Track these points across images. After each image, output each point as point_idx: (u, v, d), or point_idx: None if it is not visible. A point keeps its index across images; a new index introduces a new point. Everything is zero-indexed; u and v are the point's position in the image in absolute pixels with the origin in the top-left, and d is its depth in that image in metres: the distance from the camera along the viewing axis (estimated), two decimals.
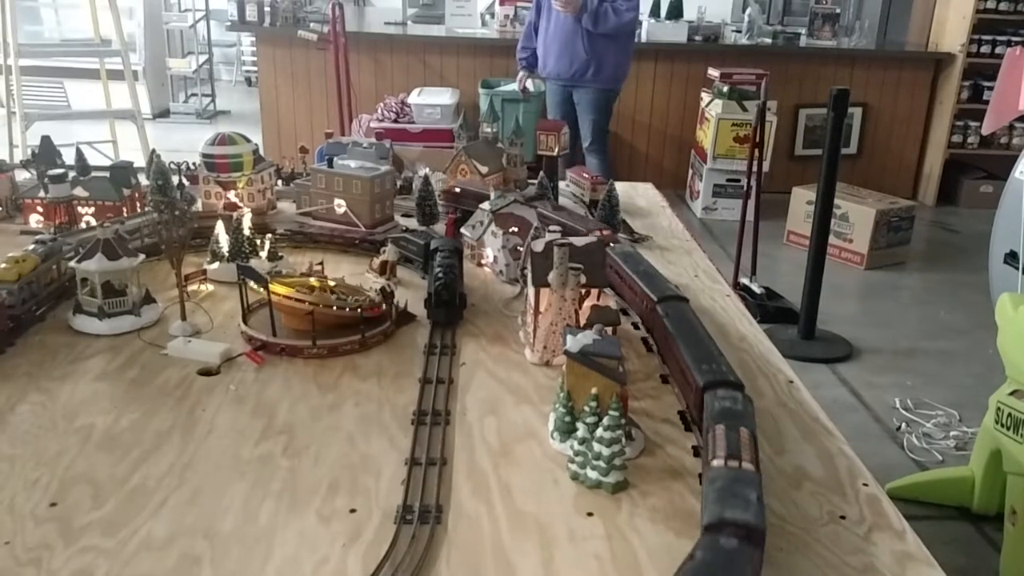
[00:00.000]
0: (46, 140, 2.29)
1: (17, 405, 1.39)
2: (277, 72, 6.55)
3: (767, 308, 4.54)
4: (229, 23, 6.56)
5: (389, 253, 1.97)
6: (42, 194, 2.16)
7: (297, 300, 1.57)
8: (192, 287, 1.82)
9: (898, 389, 3.90)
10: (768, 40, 6.89)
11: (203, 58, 8.92)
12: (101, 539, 1.08)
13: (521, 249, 1.98)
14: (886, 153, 7.03)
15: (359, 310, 1.62)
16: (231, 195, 1.93)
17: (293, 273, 1.77)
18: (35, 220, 2.17)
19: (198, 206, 2.22)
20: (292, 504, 1.16)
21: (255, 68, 10.07)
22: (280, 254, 1.98)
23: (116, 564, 1.03)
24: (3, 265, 1.63)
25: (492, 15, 7.18)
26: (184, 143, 6.94)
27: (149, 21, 8.54)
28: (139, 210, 2.15)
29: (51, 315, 1.72)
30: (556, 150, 2.41)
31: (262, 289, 1.58)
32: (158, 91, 8.76)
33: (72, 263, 1.66)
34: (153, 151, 2.22)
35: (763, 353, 1.68)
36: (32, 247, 1.73)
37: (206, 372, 1.52)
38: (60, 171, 2.03)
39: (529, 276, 1.61)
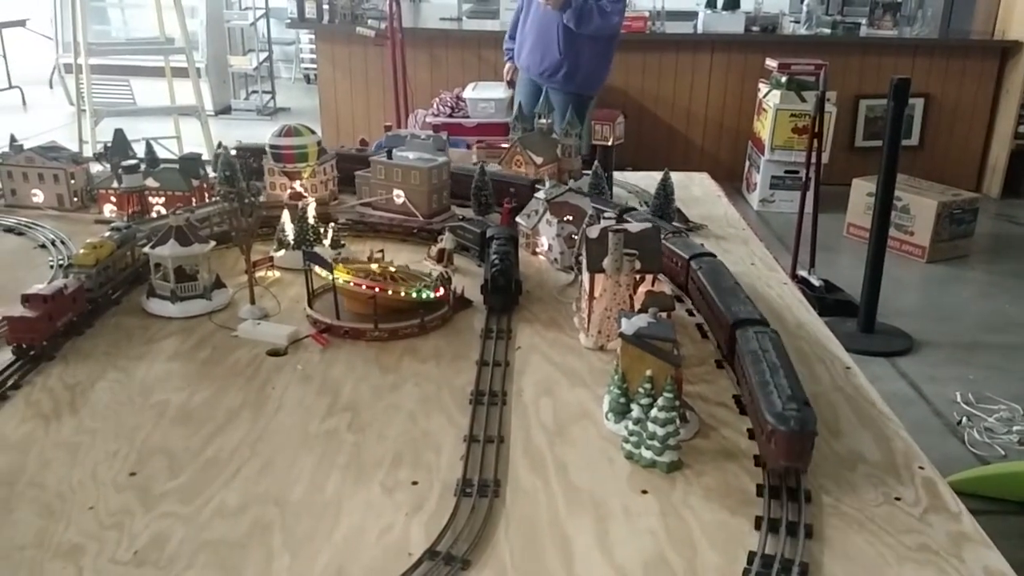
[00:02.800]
0: (119, 133, 2.39)
1: (97, 382, 1.46)
2: (336, 68, 6.67)
3: (826, 301, 4.49)
4: (289, 21, 6.71)
5: (447, 241, 2.01)
6: (115, 185, 2.25)
7: (360, 284, 1.63)
8: (260, 273, 1.89)
9: (959, 383, 3.81)
10: (827, 30, 6.77)
11: (263, 56, 9.12)
12: (178, 506, 1.14)
13: (575, 237, 2.00)
14: (949, 144, 6.86)
15: (419, 295, 1.67)
16: (296, 185, 2.00)
17: (356, 260, 1.82)
18: (109, 209, 2.27)
19: (263, 196, 2.30)
20: (357, 476, 1.21)
21: (313, 65, 10.27)
22: (342, 242, 2.04)
23: (192, 529, 1.09)
24: (82, 251, 1.72)
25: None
26: (245, 139, 7.11)
27: (211, 19, 8.77)
28: (206, 200, 2.24)
29: (126, 299, 1.80)
30: (611, 140, 2.43)
31: (327, 274, 1.64)
32: (220, 88, 8.98)
33: (146, 249, 1.74)
34: (220, 144, 2.30)
35: (820, 340, 1.68)
36: (108, 234, 1.81)
37: (274, 353, 1.58)
38: (133, 163, 2.12)
39: (584, 262, 1.64)
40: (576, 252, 1.96)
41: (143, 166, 2.18)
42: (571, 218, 2.04)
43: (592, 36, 4.52)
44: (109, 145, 2.43)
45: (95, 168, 2.52)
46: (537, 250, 2.10)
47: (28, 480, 1.19)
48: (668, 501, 1.16)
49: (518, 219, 2.15)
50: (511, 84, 5.13)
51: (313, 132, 2.04)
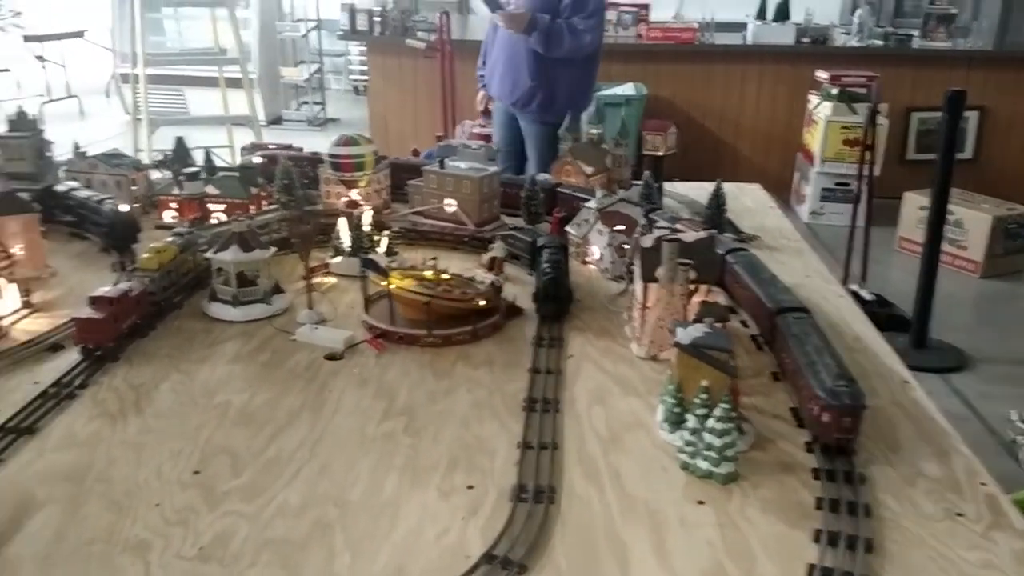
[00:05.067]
0: (180, 142, 2.46)
1: (161, 383, 1.50)
2: (385, 80, 6.75)
3: (878, 316, 4.39)
4: (340, 33, 6.81)
5: (497, 250, 2.03)
6: (175, 191, 2.32)
7: (415, 291, 1.65)
8: (316, 279, 1.92)
9: (1014, 401, 3.72)
10: (879, 42, 6.68)
11: (314, 67, 9.27)
12: (241, 504, 1.17)
13: (626, 247, 2.00)
14: (1004, 158, 6.70)
15: (472, 301, 1.69)
16: (353, 193, 2.03)
17: (410, 267, 1.84)
18: (169, 215, 2.33)
19: (320, 205, 2.34)
20: (414, 479, 1.23)
21: (362, 77, 10.41)
22: (395, 250, 2.07)
23: (256, 527, 1.12)
24: (145, 255, 1.77)
25: None
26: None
27: (264, 31, 8.94)
28: (263, 207, 2.29)
29: (188, 302, 1.84)
30: (663, 150, 2.43)
31: (383, 281, 1.67)
32: (271, 99, 9.15)
33: (208, 254, 1.78)
34: (278, 155, 2.35)
35: (877, 353, 1.66)
36: (171, 239, 1.86)
37: (332, 357, 1.61)
38: (194, 170, 2.18)
39: (637, 271, 1.64)
40: (627, 261, 1.96)
41: (203, 174, 2.23)
42: (622, 227, 2.04)
43: (565, 59, 3.88)
44: (170, 153, 2.50)
45: (155, 175, 2.60)
46: (587, 259, 2.11)
47: (96, 476, 1.23)
48: (725, 512, 1.16)
49: (568, 228, 2.16)
50: (486, 113, 4.43)
51: (370, 142, 2.08)
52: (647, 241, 1.62)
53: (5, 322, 1.68)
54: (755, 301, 1.70)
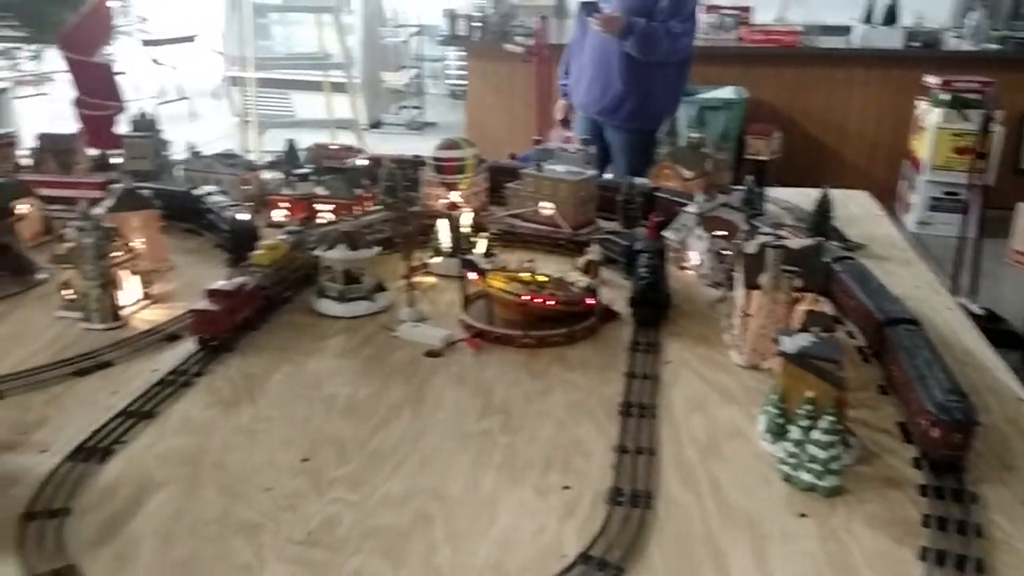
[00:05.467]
0: (291, 144, 2.55)
1: (272, 374, 1.57)
2: (484, 83, 6.83)
3: (988, 331, 4.19)
4: (441, 38, 6.93)
5: (593, 253, 2.02)
6: (286, 191, 2.41)
7: (512, 292, 1.67)
8: (416, 278, 1.97)
9: None
10: (995, 46, 6.36)
11: (414, 72, 9.46)
12: (347, 493, 1.21)
13: (726, 253, 1.98)
14: None
15: (568, 304, 1.70)
16: (453, 195, 2.07)
17: (508, 268, 1.87)
18: (279, 214, 2.42)
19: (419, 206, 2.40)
20: (511, 477, 1.25)
21: (460, 81, 10.56)
22: (493, 251, 2.10)
23: (361, 515, 1.16)
24: (259, 252, 1.85)
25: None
26: (394, 152, 7.40)
27: (367, 36, 9.18)
28: (367, 208, 2.35)
29: (297, 298, 1.92)
30: (766, 155, 2.38)
31: (481, 281, 1.70)
32: (373, 103, 9.38)
33: (318, 252, 1.85)
34: (384, 158, 2.42)
35: (990, 368, 1.59)
36: (282, 237, 1.94)
37: (431, 354, 1.65)
38: (305, 171, 2.26)
39: (739, 278, 1.62)
40: (727, 268, 1.93)
41: (313, 175, 2.32)
42: (723, 233, 2.02)
43: (658, 63, 3.80)
44: (281, 154, 2.60)
45: (265, 175, 2.70)
46: (685, 264, 2.09)
47: (212, 461, 1.29)
48: (828, 526, 1.14)
49: (666, 233, 2.15)
50: (564, 124, 4.26)
51: (472, 145, 2.11)
52: (751, 247, 1.59)
53: (126, 312, 1.78)
54: (863, 311, 1.65)
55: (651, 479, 1.24)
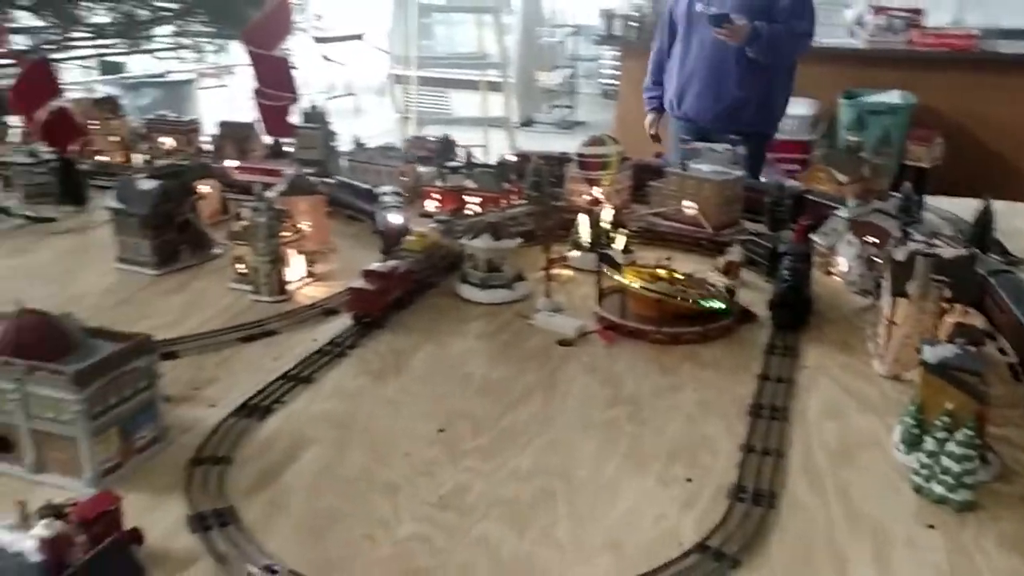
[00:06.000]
0: (446, 139, 2.67)
1: (416, 352, 1.67)
2: (635, 83, 6.81)
3: None
4: (597, 38, 6.97)
5: (734, 254, 2.01)
6: (438, 183, 2.53)
7: (647, 289, 1.70)
8: (554, 271, 2.03)
9: None
10: None
11: (568, 71, 9.54)
12: (479, 463, 1.28)
13: (877, 260, 1.92)
14: None
15: (704, 304, 1.71)
16: (595, 191, 2.12)
17: (645, 265, 1.89)
18: (431, 205, 2.54)
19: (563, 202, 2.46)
20: (635, 465, 1.28)
21: (613, 82, 10.55)
22: (631, 248, 2.12)
23: (490, 484, 1.23)
24: (412, 238, 1.96)
25: (862, 24, 6.81)
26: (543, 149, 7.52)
27: (525, 36, 9.34)
28: (513, 202, 2.43)
29: (442, 283, 2.02)
30: (926, 162, 2.28)
31: (617, 276, 1.73)
32: (526, 102, 9.54)
33: (463, 241, 1.94)
34: (532, 155, 2.50)
35: None
36: (433, 225, 2.05)
37: (564, 343, 1.70)
38: (457, 164, 2.37)
39: (886, 285, 1.58)
40: (877, 275, 1.88)
41: (464, 169, 2.42)
42: (874, 240, 1.96)
43: (775, 66, 3.64)
44: (436, 148, 2.73)
45: (420, 168, 2.84)
46: (832, 270, 2.04)
47: (360, 426, 1.40)
48: (957, 540, 1.10)
49: (814, 237, 2.10)
50: (656, 139, 4.00)
51: (617, 143, 2.15)
52: (900, 254, 1.55)
53: (291, 287, 1.93)
54: (1018, 328, 1.57)
55: (776, 480, 1.24)
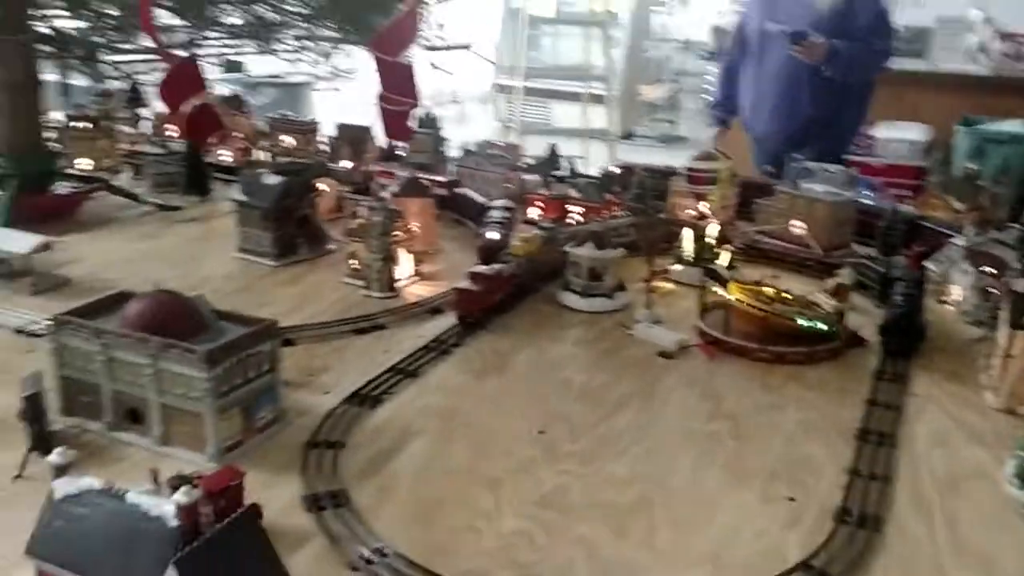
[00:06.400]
0: (552, 149, 2.71)
1: (517, 354, 1.71)
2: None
3: None
4: (706, 54, 6.91)
5: (845, 277, 1.97)
6: (542, 191, 2.56)
7: (754, 306, 1.69)
8: (656, 282, 2.03)
9: None
10: None
11: (673, 86, 9.47)
12: (577, 466, 1.31)
13: (993, 291, 1.85)
14: None
15: (811, 325, 1.69)
16: (702, 206, 2.12)
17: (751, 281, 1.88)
18: (534, 212, 2.58)
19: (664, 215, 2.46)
20: (735, 480, 1.28)
21: None
22: (735, 265, 2.11)
23: (588, 487, 1.25)
24: (516, 243, 2.00)
25: (984, 50, 6.54)
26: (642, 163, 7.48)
27: (631, 51, 9.33)
28: (614, 212, 2.45)
29: (544, 288, 2.05)
30: None
31: (722, 291, 1.73)
32: (628, 115, 9.51)
33: (567, 248, 1.97)
34: (634, 167, 2.51)
35: None
36: (537, 232, 2.09)
37: (664, 355, 1.71)
38: (563, 174, 2.40)
39: (1004, 316, 1.53)
40: (993, 306, 1.81)
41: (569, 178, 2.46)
42: (991, 270, 1.89)
43: (852, 84, 3.50)
44: (542, 157, 2.77)
45: (526, 176, 2.89)
46: (945, 298, 1.98)
47: (462, 420, 1.44)
48: None
49: (928, 264, 2.05)
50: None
51: (729, 158, 2.14)
52: (1020, 285, 1.50)
53: (400, 284, 2.00)
54: None
55: (882, 505, 1.22)
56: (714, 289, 1.77)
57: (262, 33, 3.77)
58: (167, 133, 3.00)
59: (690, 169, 2.14)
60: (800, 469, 1.32)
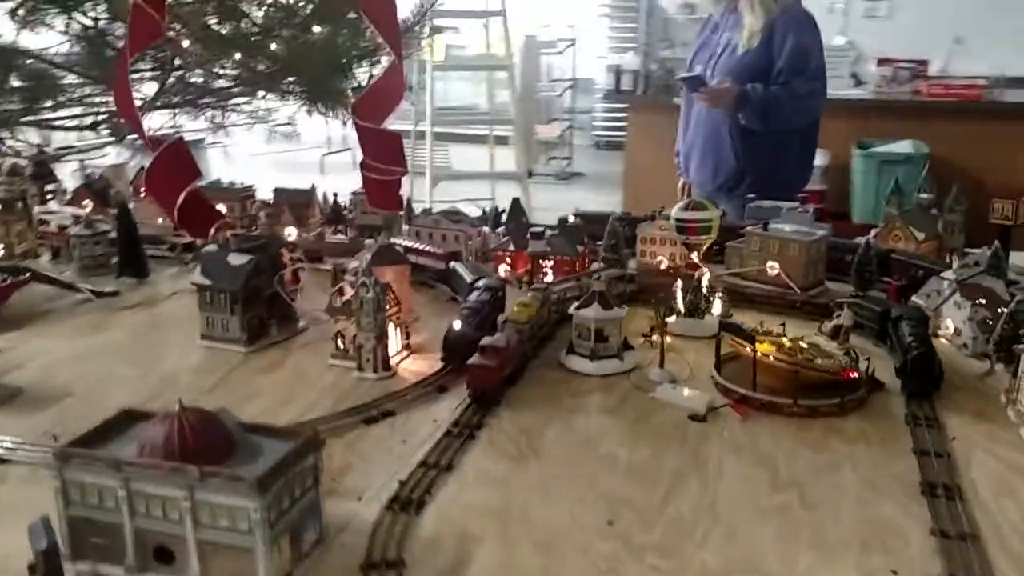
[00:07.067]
0: (516, 202, 2.63)
1: (545, 431, 1.60)
2: (646, 137, 6.87)
3: None
4: (603, 93, 7.05)
5: (844, 318, 1.97)
6: (511, 248, 2.48)
7: (785, 360, 1.65)
8: (654, 337, 1.97)
9: None
10: None
11: (565, 124, 9.64)
12: (662, 560, 1.21)
13: (989, 322, 1.89)
14: None
15: (840, 373, 1.66)
16: (693, 256, 2.08)
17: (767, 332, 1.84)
18: (503, 269, 2.48)
19: (632, 265, 2.42)
20: (827, 556, 1.21)
21: (605, 133, 10.69)
22: (730, 313, 2.08)
23: None
24: (515, 308, 1.90)
25: (856, 76, 6.96)
26: (547, 201, 7.51)
27: (525, 92, 9.43)
28: (587, 266, 2.39)
29: (541, 353, 1.95)
30: (1015, 219, 2.28)
31: (747, 346, 1.68)
32: (525, 154, 9.59)
33: (571, 310, 1.88)
34: (614, 214, 2.46)
35: None
36: (530, 295, 1.99)
37: (695, 418, 1.64)
38: (539, 229, 2.32)
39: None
40: (994, 339, 1.84)
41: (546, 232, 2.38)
42: (983, 301, 1.93)
43: (780, 131, 3.32)
44: (504, 211, 2.69)
45: (484, 230, 2.79)
46: (940, 333, 2.00)
47: (519, 517, 1.32)
48: None
49: (915, 299, 2.07)
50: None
51: (716, 206, 2.12)
52: None
53: (393, 361, 1.86)
54: None
55: (985, 568, 1.18)
56: (735, 343, 1.73)
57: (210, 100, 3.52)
58: (86, 210, 2.75)
59: (680, 220, 2.10)
60: (884, 534, 1.27)
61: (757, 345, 1.69)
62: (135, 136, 3.33)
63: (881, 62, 6.55)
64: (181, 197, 1.70)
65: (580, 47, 9.94)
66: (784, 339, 1.75)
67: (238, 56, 3.08)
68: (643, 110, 6.88)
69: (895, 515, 1.31)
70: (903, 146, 5.86)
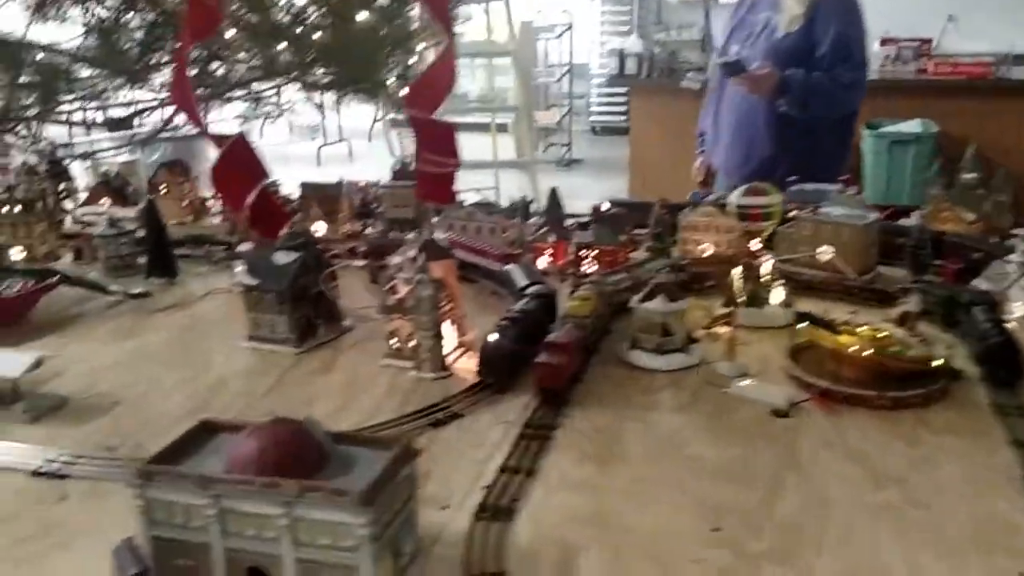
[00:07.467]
0: (554, 192, 2.56)
1: (622, 431, 1.53)
2: (651, 122, 6.80)
3: None
4: (606, 78, 6.96)
5: (913, 304, 1.92)
6: (551, 239, 2.41)
7: (871, 351, 1.59)
8: (715, 329, 1.91)
9: None
10: None
11: (564, 110, 9.55)
12: (781, 569, 1.14)
13: None
14: None
15: (927, 362, 1.60)
16: (753, 244, 2.02)
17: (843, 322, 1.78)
18: (543, 261, 2.41)
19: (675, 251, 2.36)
20: (952, 557, 1.15)
21: (601, 118, 10.62)
22: (791, 302, 2.01)
23: None
24: (575, 302, 1.84)
25: None
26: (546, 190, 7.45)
27: (523, 78, 9.34)
28: (629, 256, 2.32)
29: (601, 348, 1.88)
30: None
31: (829, 338, 1.62)
32: (529, 142, 9.50)
33: (634, 303, 1.81)
34: (657, 204, 2.39)
35: None
36: (587, 287, 1.92)
37: (777, 413, 1.57)
38: (586, 220, 2.25)
39: None
40: None
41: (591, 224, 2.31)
42: None
43: (818, 120, 3.18)
44: (532, 201, 2.62)
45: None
46: (1006, 316, 1.94)
47: (618, 524, 1.25)
48: None
49: (978, 282, 2.02)
50: (705, 184, 3.52)
51: (779, 191, 2.05)
52: None
53: (449, 359, 1.79)
54: None
55: None
56: (817, 336, 1.66)
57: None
58: (109, 207, 2.66)
59: (741, 207, 2.03)
60: (1001, 533, 1.21)
61: (844, 337, 1.63)
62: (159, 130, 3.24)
63: (884, 41, 6.49)
64: (252, 196, 1.60)
65: (576, 32, 9.85)
66: (865, 329, 1.68)
67: (282, 45, 2.94)
68: (647, 94, 6.81)
69: (1007, 512, 1.26)
70: (912, 125, 5.82)
